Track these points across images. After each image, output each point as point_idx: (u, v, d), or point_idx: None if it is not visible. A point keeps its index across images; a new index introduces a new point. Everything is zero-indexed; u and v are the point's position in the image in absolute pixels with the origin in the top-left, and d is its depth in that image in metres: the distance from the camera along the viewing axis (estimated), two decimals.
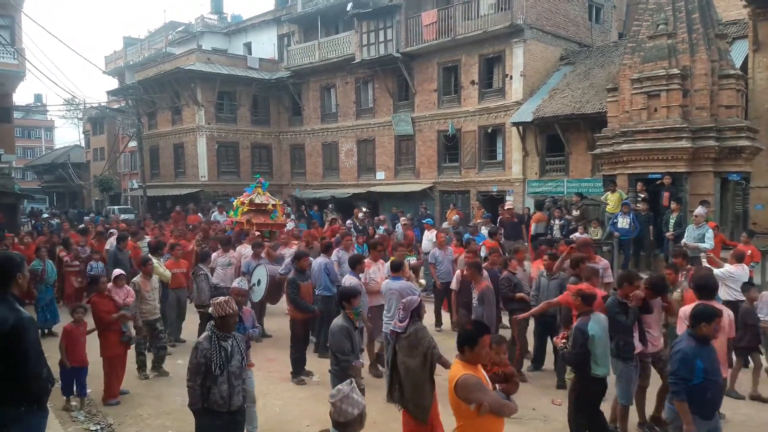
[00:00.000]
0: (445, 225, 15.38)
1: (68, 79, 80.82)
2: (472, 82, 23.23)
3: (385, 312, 7.76)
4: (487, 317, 7.41)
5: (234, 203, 14.19)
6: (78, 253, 12.77)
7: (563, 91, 20.49)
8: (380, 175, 26.92)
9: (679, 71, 13.49)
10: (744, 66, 17.07)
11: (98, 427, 6.92)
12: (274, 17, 32.57)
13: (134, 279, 8.57)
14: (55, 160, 50.28)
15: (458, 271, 9.27)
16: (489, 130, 22.98)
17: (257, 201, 13.47)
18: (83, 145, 52.18)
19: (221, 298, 5.03)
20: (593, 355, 5.77)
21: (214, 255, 11.10)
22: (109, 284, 8.04)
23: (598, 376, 5.84)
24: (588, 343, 5.74)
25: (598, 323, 5.84)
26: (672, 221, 12.61)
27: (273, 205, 13.80)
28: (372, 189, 26.33)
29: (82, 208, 41.52)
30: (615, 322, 6.06)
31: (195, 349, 4.89)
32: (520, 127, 21.18)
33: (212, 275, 10.65)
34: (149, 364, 8.70)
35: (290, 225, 17.16)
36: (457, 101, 23.84)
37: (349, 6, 25.72)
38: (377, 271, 8.63)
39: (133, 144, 35.37)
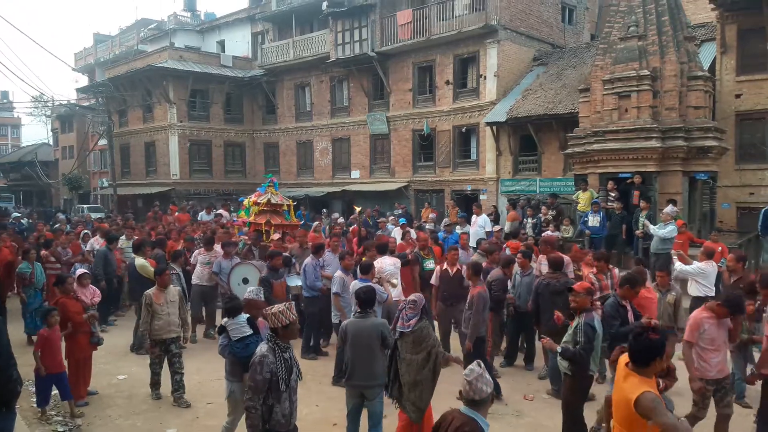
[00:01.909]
0: (428, 225, 15.28)
1: (36, 75, 78.96)
2: (447, 82, 23.33)
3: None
4: (473, 324, 7.27)
5: (244, 203, 13.79)
6: (59, 255, 12.08)
7: (536, 91, 20.69)
8: (355, 173, 26.88)
9: (649, 72, 13.72)
10: (712, 68, 17.43)
11: (66, 428, 6.78)
12: (248, 15, 32.30)
13: (147, 291, 7.53)
14: (22, 158, 49.18)
15: (437, 267, 9.29)
16: (463, 130, 23.10)
17: (273, 201, 12.95)
18: (51, 143, 51.15)
19: (277, 308, 4.52)
20: (595, 352, 5.74)
21: (195, 253, 11.16)
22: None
23: (592, 372, 5.83)
24: (595, 339, 5.70)
25: (598, 320, 5.84)
26: (642, 220, 12.82)
27: (287, 206, 13.54)
28: (347, 188, 26.27)
29: (50, 207, 40.65)
30: (610, 326, 5.94)
31: (259, 364, 4.34)
32: (494, 127, 21.32)
33: (192, 273, 10.78)
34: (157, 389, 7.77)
35: None
36: (432, 101, 23.92)
37: (324, 5, 25.58)
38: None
39: (103, 142, 34.74)
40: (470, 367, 3.59)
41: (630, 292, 6.20)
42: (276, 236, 11.71)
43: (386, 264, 8.83)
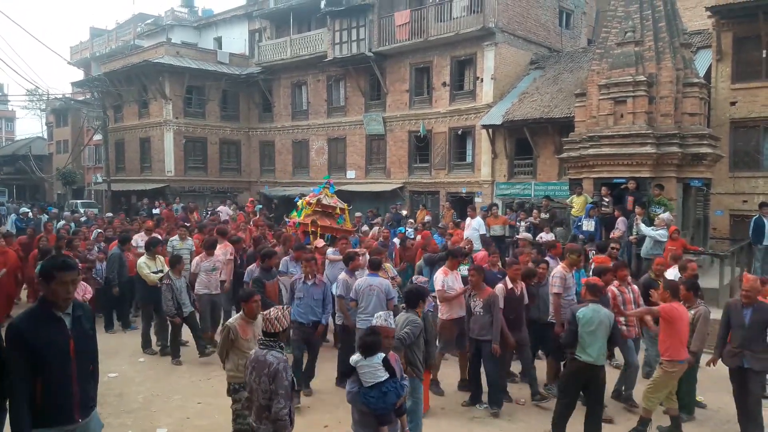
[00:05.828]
0: (409, 228, 15.11)
1: (31, 68, 78.62)
2: (444, 84, 23.34)
3: (362, 309, 7.48)
4: (496, 325, 7.09)
5: (298, 203, 13.08)
6: (86, 257, 11.23)
7: (533, 95, 20.72)
8: (351, 174, 26.86)
9: (645, 78, 13.74)
10: (707, 75, 17.50)
11: None
12: (245, 12, 32.24)
13: (229, 322, 5.77)
14: (15, 152, 48.94)
15: (500, 286, 7.65)
16: (459, 132, 23.12)
17: (324, 202, 12.17)
18: (46, 137, 50.90)
19: (275, 312, 4.48)
20: (580, 337, 6.05)
21: (196, 260, 10.00)
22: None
23: (579, 358, 6.07)
24: (577, 324, 6.06)
25: (594, 312, 6.08)
26: (635, 226, 12.82)
27: (341, 209, 12.45)
28: (342, 188, 26.13)
29: (43, 202, 40.41)
30: None
31: (284, 370, 4.31)
32: (490, 130, 21.34)
33: (196, 282, 9.62)
34: None
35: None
36: (429, 102, 23.93)
37: (322, 3, 25.58)
38: (455, 281, 8.03)
39: (98, 137, 34.60)
40: None
41: None
42: (320, 243, 10.05)
43: None
